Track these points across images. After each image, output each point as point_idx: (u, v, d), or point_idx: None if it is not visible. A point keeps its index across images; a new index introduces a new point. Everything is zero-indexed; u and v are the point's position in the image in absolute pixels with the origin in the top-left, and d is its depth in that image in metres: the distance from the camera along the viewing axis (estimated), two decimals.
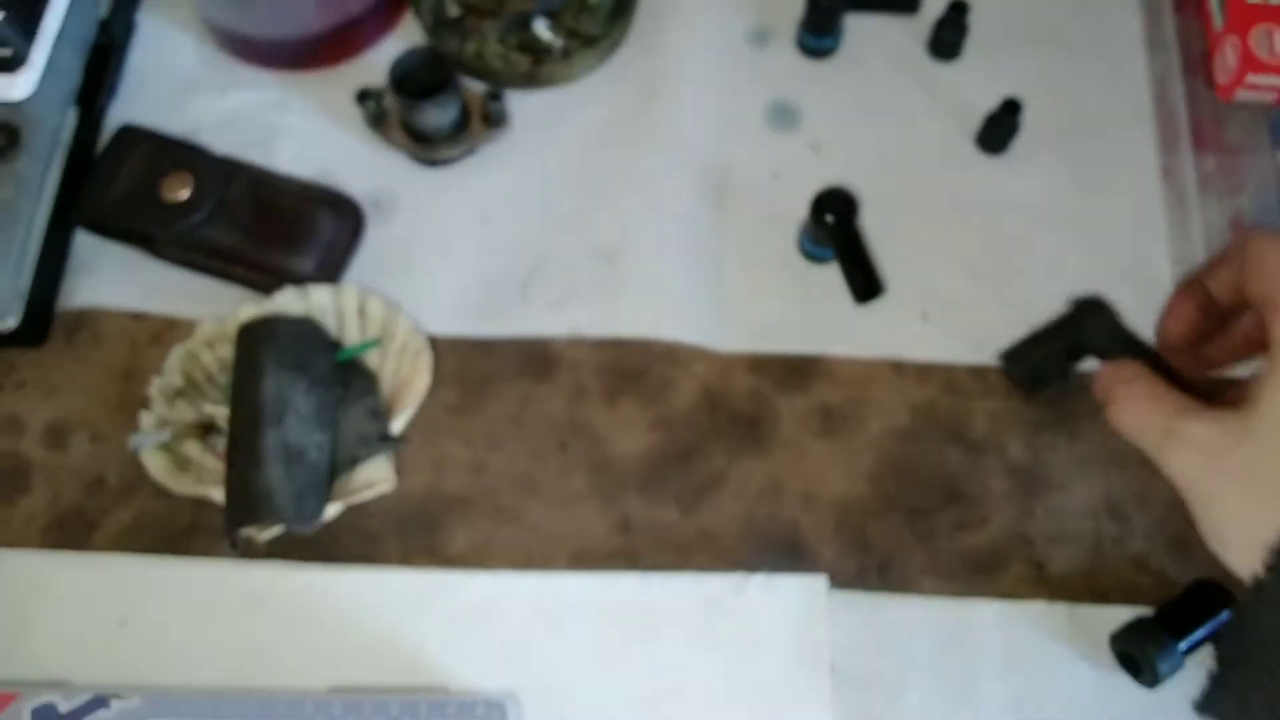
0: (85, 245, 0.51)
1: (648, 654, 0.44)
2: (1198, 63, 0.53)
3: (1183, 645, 0.42)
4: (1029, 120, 0.52)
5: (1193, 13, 0.54)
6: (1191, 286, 0.40)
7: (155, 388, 0.46)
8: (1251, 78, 0.50)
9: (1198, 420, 0.35)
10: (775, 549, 0.46)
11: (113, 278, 0.50)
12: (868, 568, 0.46)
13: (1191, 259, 0.50)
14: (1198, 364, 0.41)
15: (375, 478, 0.45)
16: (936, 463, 0.48)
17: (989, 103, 0.53)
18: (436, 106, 0.50)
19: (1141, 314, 0.49)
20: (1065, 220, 0.53)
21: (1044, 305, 0.49)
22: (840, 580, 0.46)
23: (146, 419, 0.46)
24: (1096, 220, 0.53)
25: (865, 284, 0.49)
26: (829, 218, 0.48)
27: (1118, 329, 0.43)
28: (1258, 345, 0.38)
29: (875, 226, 0.52)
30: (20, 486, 0.47)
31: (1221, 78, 0.52)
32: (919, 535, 0.47)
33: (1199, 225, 0.50)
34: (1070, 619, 0.45)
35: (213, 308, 0.49)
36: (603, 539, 0.47)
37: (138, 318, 0.50)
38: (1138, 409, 0.37)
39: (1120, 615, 0.44)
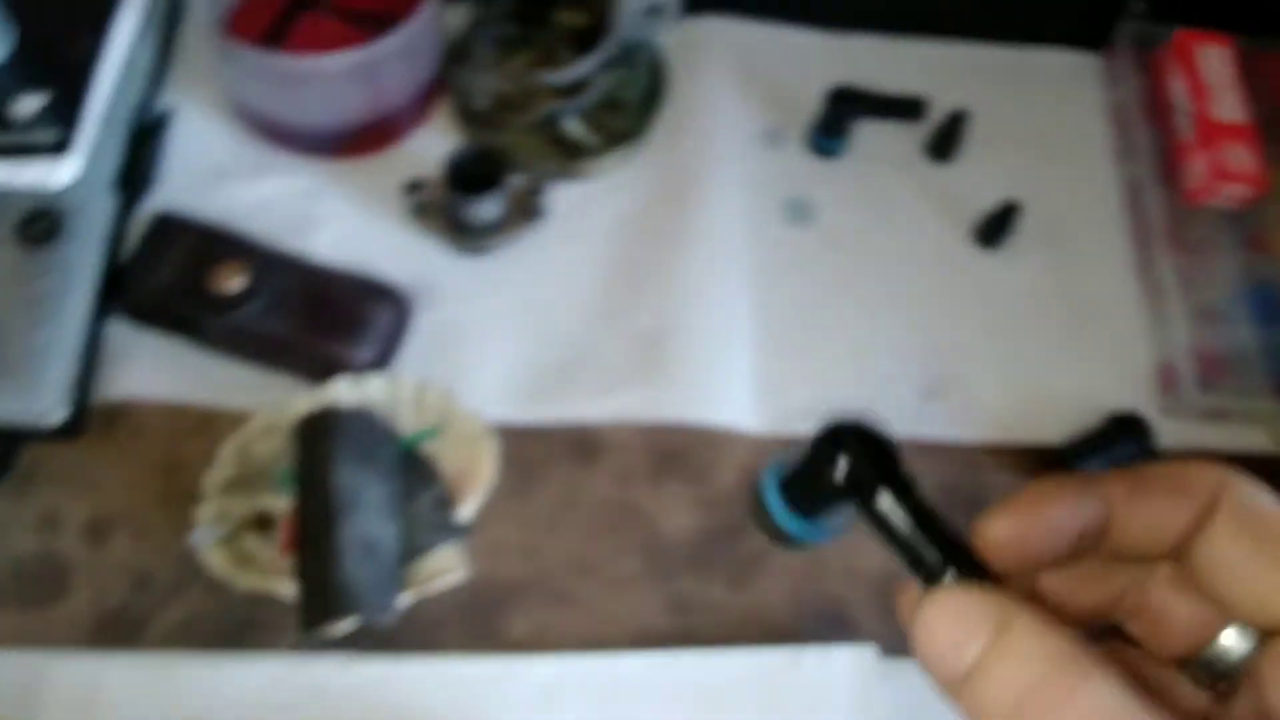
0: (119, 334, 0.50)
1: None
2: (1166, 170, 0.59)
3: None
4: (1019, 219, 0.57)
5: (1160, 126, 0.60)
6: (1074, 491, 0.25)
7: (209, 480, 0.46)
8: (1221, 187, 0.56)
9: None
10: (823, 621, 0.49)
11: (151, 368, 0.50)
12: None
13: (1172, 347, 0.55)
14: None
15: (446, 565, 0.45)
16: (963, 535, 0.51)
17: (981, 201, 0.58)
18: (488, 201, 0.51)
19: (1123, 397, 0.55)
20: (1055, 310, 0.58)
21: (1041, 385, 0.55)
22: (887, 647, 0.48)
23: (204, 512, 0.45)
24: (1082, 310, 0.58)
25: (950, 561, 0.25)
26: (841, 470, 0.27)
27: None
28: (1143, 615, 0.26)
29: (887, 315, 0.56)
30: (60, 587, 0.45)
31: (1191, 185, 0.58)
32: None
33: (1178, 316, 0.56)
34: None
35: (257, 397, 0.49)
36: (659, 618, 0.48)
37: (178, 409, 0.49)
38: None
39: None
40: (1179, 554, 0.25)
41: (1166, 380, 0.56)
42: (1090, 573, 0.27)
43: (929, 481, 0.52)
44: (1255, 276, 0.58)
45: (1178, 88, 0.60)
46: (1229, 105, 0.58)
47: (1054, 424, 0.54)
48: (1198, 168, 0.57)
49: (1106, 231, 0.60)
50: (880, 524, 0.26)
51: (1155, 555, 0.25)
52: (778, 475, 0.28)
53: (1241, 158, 0.56)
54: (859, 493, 0.26)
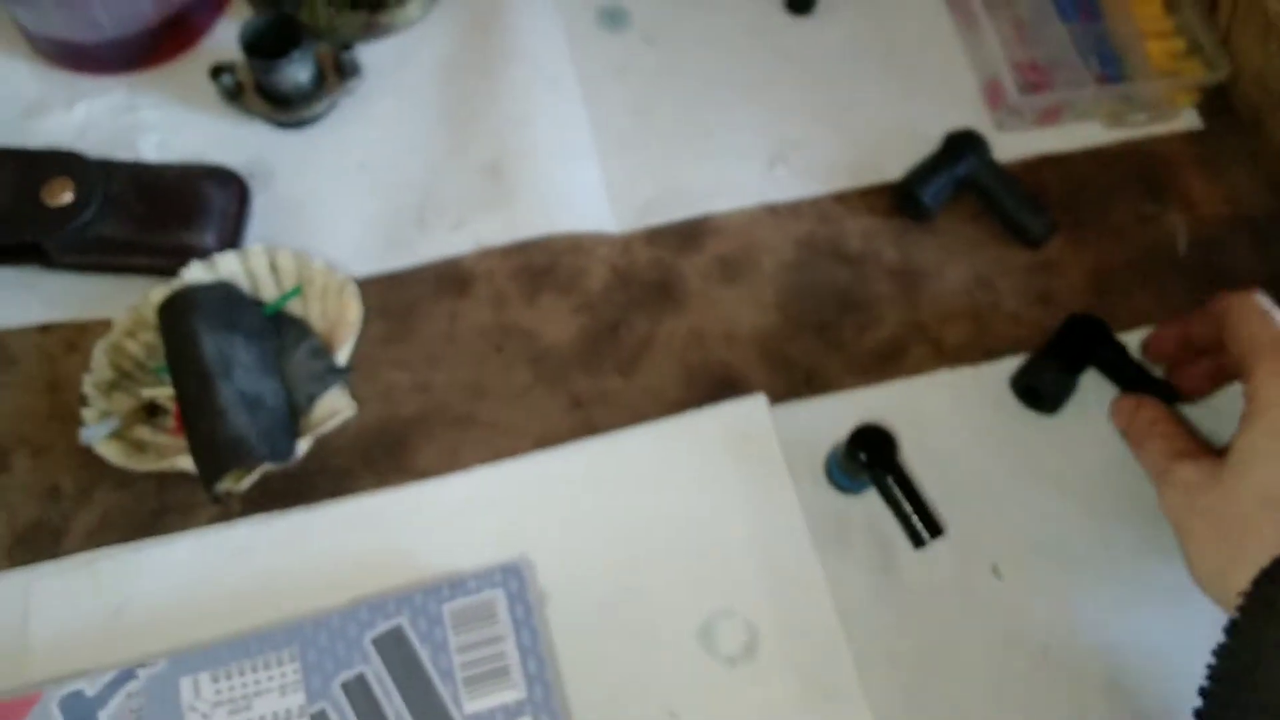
0: None
1: (632, 504, 0.47)
2: None
3: (1071, 369, 0.49)
4: None
5: None
6: (1172, 325, 0.48)
7: (88, 384, 0.46)
8: None
9: (1187, 463, 0.40)
10: (714, 388, 0.51)
11: (8, 298, 0.50)
12: (796, 381, 0.51)
13: (989, 67, 0.57)
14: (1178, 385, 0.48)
15: (336, 407, 0.47)
16: (828, 281, 0.54)
17: None
18: (292, 64, 0.51)
19: (957, 122, 0.57)
20: (876, 56, 0.60)
21: (877, 129, 0.56)
22: (777, 397, 0.50)
23: (89, 413, 0.46)
24: (902, 51, 0.60)
25: (926, 526, 0.44)
26: (863, 456, 0.45)
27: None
28: (1228, 377, 0.46)
29: (719, 97, 0.57)
30: None
31: None
32: (830, 344, 0.52)
33: (991, 33, 0.57)
34: (974, 378, 0.51)
35: (121, 302, 0.49)
36: (560, 419, 0.50)
37: (45, 330, 0.50)
38: (1153, 447, 0.43)
39: (1012, 364, 0.51)
40: None
41: (993, 95, 0.58)
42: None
43: (790, 239, 0.54)
44: None
45: None
46: None
47: (895, 161, 0.56)
48: None
49: None
50: (884, 494, 0.45)
51: (1209, 347, 0.46)
52: (833, 458, 0.48)
53: None
54: (872, 473, 0.45)
